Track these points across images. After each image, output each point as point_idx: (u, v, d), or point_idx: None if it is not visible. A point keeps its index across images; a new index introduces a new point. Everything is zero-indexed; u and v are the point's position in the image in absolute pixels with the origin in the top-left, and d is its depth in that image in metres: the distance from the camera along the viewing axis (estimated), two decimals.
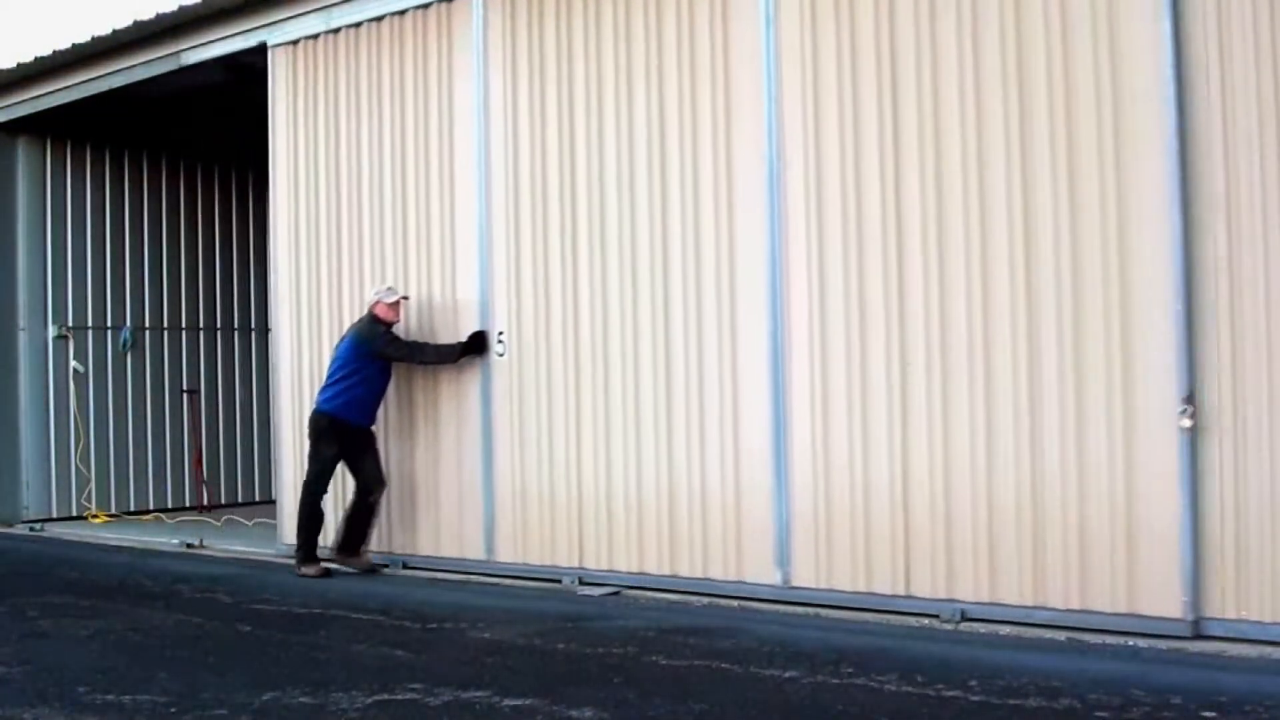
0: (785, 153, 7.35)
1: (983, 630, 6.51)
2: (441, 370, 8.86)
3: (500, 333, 8.58)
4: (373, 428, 9.02)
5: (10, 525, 12.43)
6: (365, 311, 8.93)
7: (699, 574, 7.67)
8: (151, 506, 13.25)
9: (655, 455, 7.86)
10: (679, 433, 7.76)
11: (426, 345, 8.77)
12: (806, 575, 7.24)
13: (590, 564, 8.15)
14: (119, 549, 10.84)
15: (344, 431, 8.86)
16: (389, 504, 9.19)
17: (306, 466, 9.06)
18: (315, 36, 9.67)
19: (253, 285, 14.23)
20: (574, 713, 5.08)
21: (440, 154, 8.96)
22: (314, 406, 8.99)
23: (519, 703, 5.23)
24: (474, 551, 8.74)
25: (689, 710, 5.12)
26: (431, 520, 9.02)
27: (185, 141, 13.59)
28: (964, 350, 6.71)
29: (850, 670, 5.70)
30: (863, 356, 7.05)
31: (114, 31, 10.74)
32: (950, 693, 5.25)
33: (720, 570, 7.59)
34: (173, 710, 5.26)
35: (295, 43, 9.79)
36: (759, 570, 7.42)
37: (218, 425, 13.88)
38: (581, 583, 8.11)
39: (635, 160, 8.00)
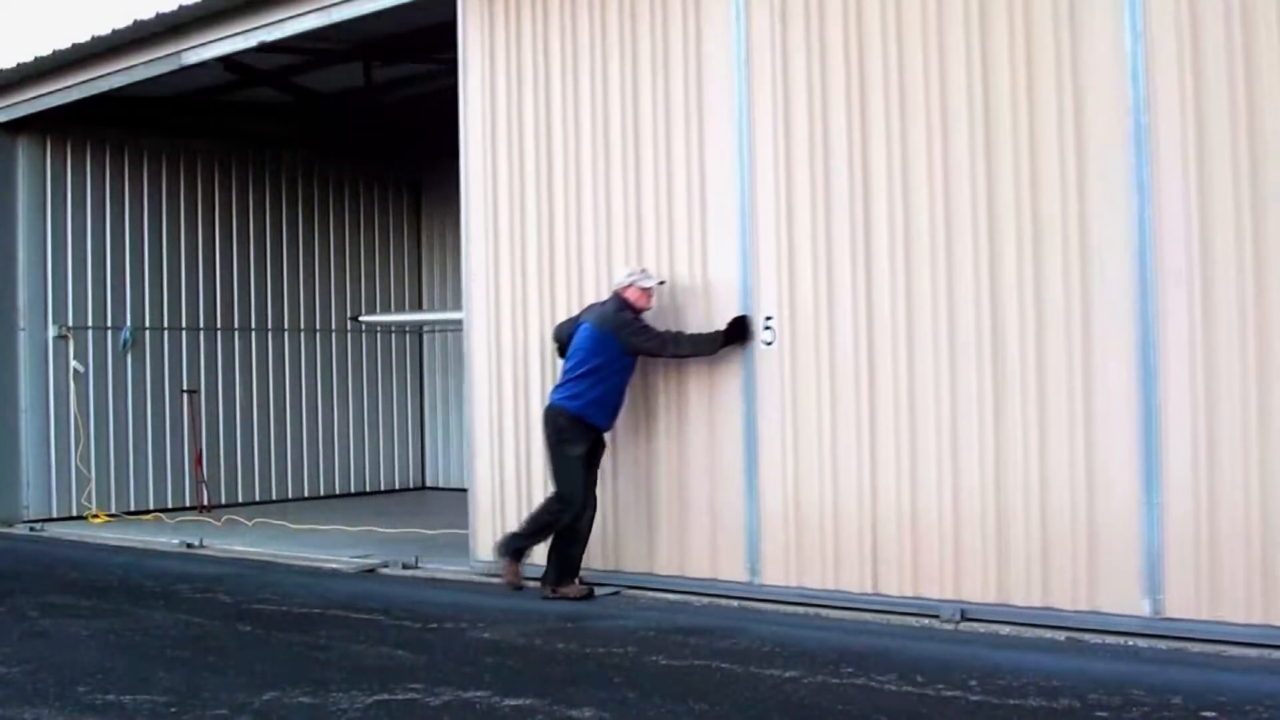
0: (1156, 107, 6.09)
1: (982, 630, 6.51)
2: (689, 361, 7.70)
3: (768, 318, 7.39)
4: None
5: (10, 525, 12.42)
6: (610, 296, 7.76)
7: (1035, 602, 6.44)
8: (151, 506, 13.24)
9: (979, 464, 6.61)
10: (1011, 437, 6.52)
11: (683, 335, 7.60)
12: (1185, 605, 6.04)
13: (889, 589, 6.95)
14: (119, 549, 10.83)
15: (589, 433, 7.74)
16: (619, 518, 8.13)
17: (554, 476, 7.80)
18: None
19: (253, 285, 14.22)
20: (574, 713, 5.08)
21: (686, 113, 7.78)
22: (549, 403, 7.79)
23: (519, 703, 5.23)
24: (732, 572, 7.56)
25: (689, 710, 5.12)
26: (674, 536, 7.84)
27: (186, 140, 13.61)
28: None
29: (850, 670, 5.70)
30: (1260, 353, 5.86)
31: (114, 31, 10.75)
32: (950, 693, 5.25)
33: (1066, 599, 6.36)
34: (173, 710, 5.26)
35: None
36: (1120, 599, 6.21)
37: (218, 425, 13.88)
38: (870, 610, 6.96)
39: (950, 110, 6.72)
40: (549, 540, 7.86)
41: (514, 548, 7.88)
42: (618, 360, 7.62)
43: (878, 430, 7.01)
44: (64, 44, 11.22)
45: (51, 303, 12.76)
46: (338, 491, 14.83)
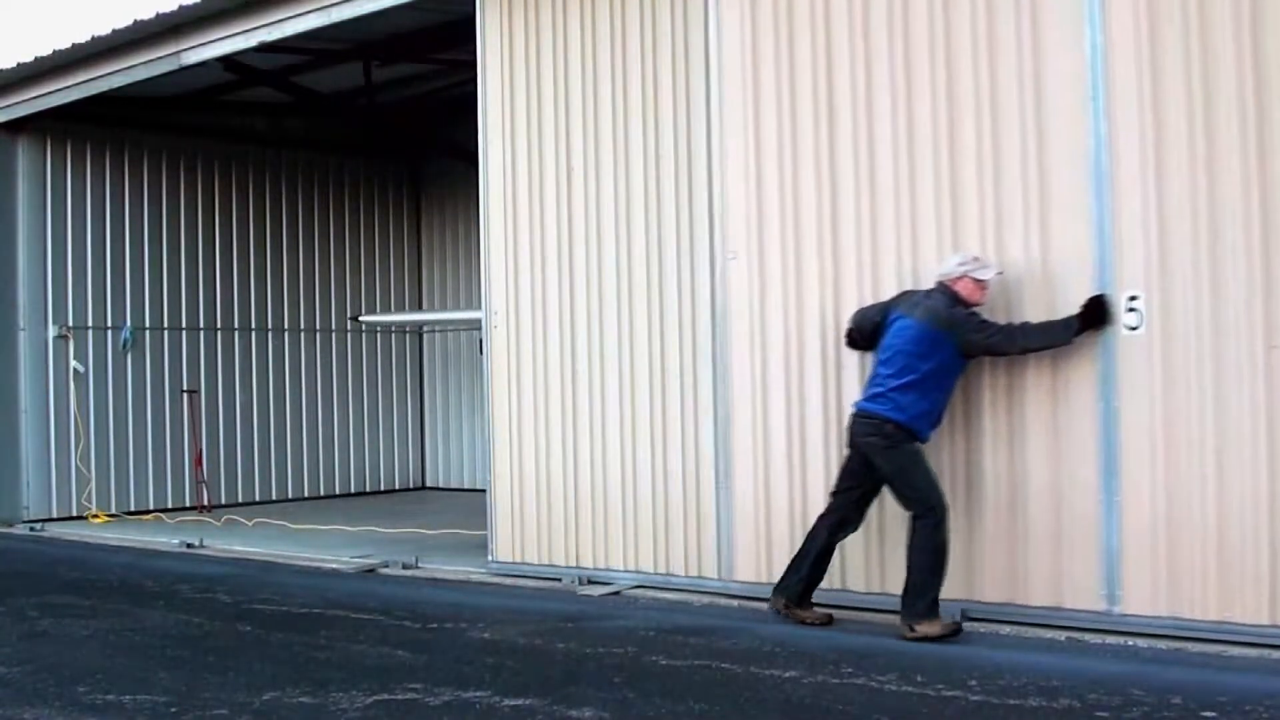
0: None
1: (983, 630, 6.50)
2: (1026, 355, 6.49)
3: (1132, 297, 6.19)
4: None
5: (10, 525, 12.43)
6: (934, 287, 6.60)
7: None
8: (151, 506, 13.25)
9: None
10: None
11: (1030, 325, 6.39)
12: None
13: None
14: (119, 549, 10.83)
15: (915, 441, 6.57)
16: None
17: (904, 489, 6.52)
18: None
19: (253, 285, 14.23)
20: (574, 713, 5.08)
21: (1019, 58, 6.54)
22: (863, 409, 6.60)
23: (519, 703, 5.23)
24: (1082, 600, 6.37)
25: (689, 710, 5.12)
26: (1002, 560, 6.62)
27: (186, 140, 13.61)
28: None
29: (850, 670, 5.70)
30: None
31: (114, 31, 10.76)
32: (950, 693, 5.25)
33: None
34: (173, 710, 5.26)
35: None
36: None
37: (218, 425, 13.88)
38: (1272, 646, 5.81)
39: None
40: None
41: (927, 603, 6.38)
42: (950, 363, 6.49)
43: (1276, 428, 5.84)
44: (64, 44, 11.23)
45: (51, 303, 12.76)
46: (338, 491, 14.83)
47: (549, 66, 8.56)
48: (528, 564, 8.60)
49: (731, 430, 7.70)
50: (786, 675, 5.64)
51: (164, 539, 11.10)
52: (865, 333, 6.83)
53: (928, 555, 6.33)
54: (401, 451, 15.53)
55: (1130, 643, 6.06)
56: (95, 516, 12.69)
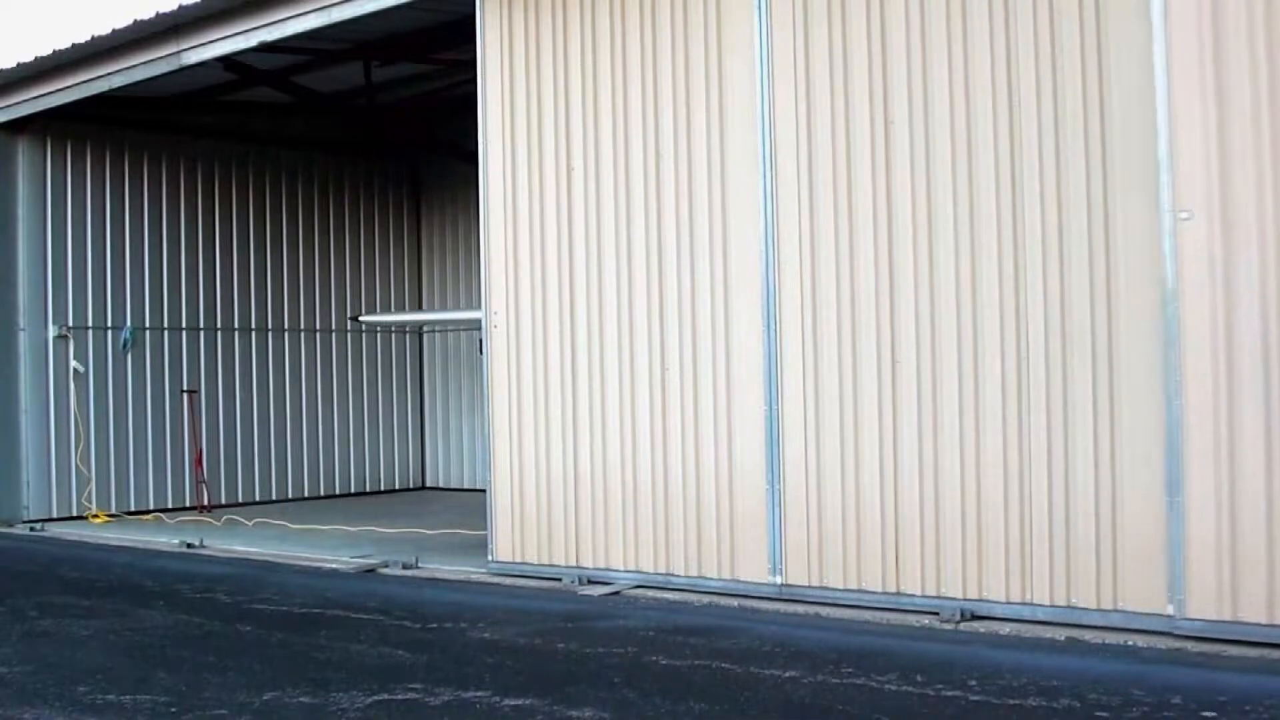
0: None
1: (982, 630, 6.50)
2: None
3: None
4: None
5: (10, 525, 12.43)
6: None
7: None
8: (151, 506, 13.27)
9: None
10: None
11: None
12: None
13: None
14: (119, 549, 10.83)
15: None
16: None
17: None
18: None
19: (253, 285, 14.24)
20: (574, 713, 5.08)
21: None
22: None
23: (519, 703, 5.23)
24: None
25: (689, 710, 5.12)
26: None
27: (186, 140, 13.62)
28: None
29: (850, 670, 5.70)
30: None
31: (114, 31, 10.77)
32: (950, 693, 5.25)
33: None
34: (173, 710, 5.26)
35: None
36: None
37: (218, 425, 13.89)
38: None
39: None
40: None
41: None
42: None
43: None
44: (64, 44, 11.24)
45: (51, 303, 12.78)
46: (338, 491, 14.84)
47: (549, 66, 8.57)
48: (528, 564, 8.60)
49: (1184, 434, 6.10)
50: (786, 675, 5.63)
51: (164, 539, 11.10)
52: None
53: None
54: (401, 451, 15.54)
55: (1130, 642, 6.05)
56: (95, 516, 12.69)
